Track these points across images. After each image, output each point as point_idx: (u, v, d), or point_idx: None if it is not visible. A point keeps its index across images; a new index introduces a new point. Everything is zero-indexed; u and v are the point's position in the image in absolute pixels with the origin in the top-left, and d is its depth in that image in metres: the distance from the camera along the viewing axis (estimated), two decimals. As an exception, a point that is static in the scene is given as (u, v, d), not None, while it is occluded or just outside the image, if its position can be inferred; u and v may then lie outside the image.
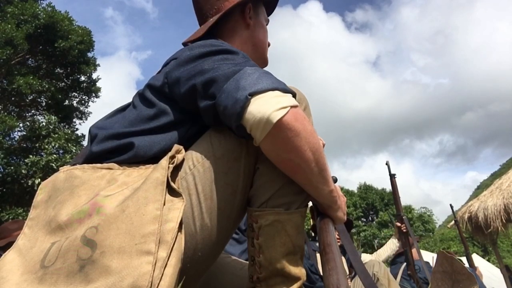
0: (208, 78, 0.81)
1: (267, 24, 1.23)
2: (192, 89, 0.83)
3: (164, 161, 0.77)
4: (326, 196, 0.87)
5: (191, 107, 0.86)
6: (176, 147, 0.81)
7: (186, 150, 0.85)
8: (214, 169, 0.82)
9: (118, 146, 0.86)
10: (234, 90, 0.75)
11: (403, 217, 3.08)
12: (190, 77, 0.84)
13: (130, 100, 1.00)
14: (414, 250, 3.13)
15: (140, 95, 0.95)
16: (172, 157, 0.79)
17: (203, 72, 0.82)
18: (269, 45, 1.23)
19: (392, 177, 3.02)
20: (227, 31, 1.12)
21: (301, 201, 0.86)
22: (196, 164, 0.82)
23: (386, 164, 3.08)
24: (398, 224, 3.13)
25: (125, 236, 0.67)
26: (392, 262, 3.91)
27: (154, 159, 0.83)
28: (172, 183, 0.75)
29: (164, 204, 0.71)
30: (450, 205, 4.22)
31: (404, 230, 3.09)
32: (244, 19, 1.12)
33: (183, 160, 0.82)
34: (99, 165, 0.85)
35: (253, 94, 0.73)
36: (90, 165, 0.86)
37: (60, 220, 0.76)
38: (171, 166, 0.77)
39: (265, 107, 0.72)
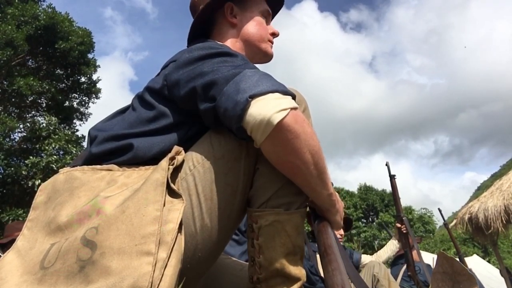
0: (208, 80, 0.81)
1: (269, 16, 1.20)
2: (192, 91, 0.83)
3: (164, 162, 0.77)
4: (325, 199, 0.87)
5: (191, 109, 0.86)
6: (176, 148, 0.81)
7: (186, 151, 0.85)
8: (214, 169, 0.82)
9: (117, 147, 0.86)
10: (234, 93, 0.75)
11: (403, 218, 3.07)
12: (189, 80, 0.84)
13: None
14: (414, 252, 3.12)
15: (140, 98, 0.95)
16: (172, 158, 0.79)
17: (203, 75, 0.82)
18: (275, 34, 1.19)
19: (392, 178, 3.00)
20: (217, 33, 1.13)
21: (301, 201, 0.86)
22: (196, 165, 0.82)
23: (386, 165, 3.06)
24: (398, 225, 3.12)
25: (125, 237, 0.67)
26: (393, 263, 3.90)
27: (153, 160, 0.83)
28: (172, 184, 0.75)
29: (164, 205, 0.71)
30: (439, 209, 4.21)
31: (404, 231, 3.08)
32: (226, 18, 1.12)
33: (183, 161, 0.82)
34: (98, 166, 0.85)
35: (253, 97, 0.73)
36: (90, 166, 0.86)
37: (60, 221, 0.76)
38: (171, 167, 0.77)
39: (266, 109, 0.72)
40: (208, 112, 0.81)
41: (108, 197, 0.76)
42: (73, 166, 0.90)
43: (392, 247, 3.49)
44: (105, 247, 0.66)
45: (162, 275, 0.64)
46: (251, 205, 0.85)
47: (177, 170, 0.80)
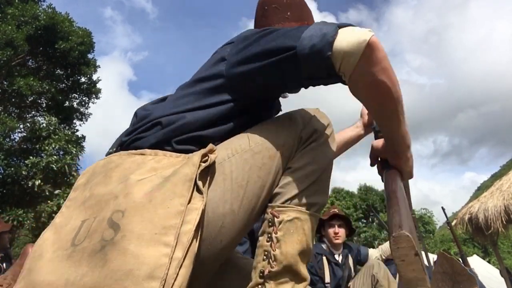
0: (282, 35, 0.85)
1: None
2: (265, 51, 0.87)
3: (196, 158, 0.80)
4: (403, 134, 0.91)
5: (248, 82, 0.91)
6: (210, 146, 0.84)
7: (223, 132, 0.91)
8: (251, 162, 0.86)
9: (146, 128, 0.93)
10: (318, 30, 0.81)
11: (413, 216, 3.01)
12: (262, 41, 0.89)
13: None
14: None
15: (183, 85, 1.01)
16: (205, 155, 0.82)
17: (274, 37, 0.87)
18: None
19: None
20: None
21: (320, 205, 0.91)
22: (234, 153, 0.87)
23: None
24: None
25: (147, 224, 0.71)
26: (386, 261, 3.88)
27: (187, 141, 0.88)
28: (199, 182, 0.78)
29: (189, 201, 0.75)
30: (442, 207, 4.18)
31: None
32: None
33: (213, 162, 0.85)
34: (133, 151, 0.90)
35: (340, 26, 0.80)
36: (126, 151, 0.91)
37: (92, 200, 0.82)
38: (203, 164, 0.80)
39: (355, 32, 0.78)
40: (285, 60, 0.83)
41: (137, 181, 0.79)
42: (111, 150, 0.98)
43: None
44: (127, 230, 0.71)
45: (177, 274, 0.67)
46: (274, 201, 0.89)
47: (207, 167, 0.82)
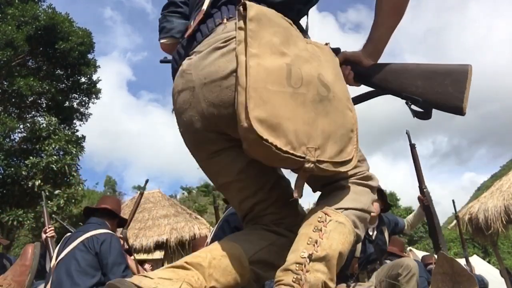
0: None
1: None
2: None
3: (334, 56, 1.07)
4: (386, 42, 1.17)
5: None
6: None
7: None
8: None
9: None
10: None
11: (425, 190, 2.88)
12: None
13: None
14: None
15: None
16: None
17: None
18: None
19: (412, 147, 2.88)
20: None
21: (360, 232, 1.00)
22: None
23: (407, 133, 2.93)
24: (421, 196, 2.96)
25: (342, 93, 0.98)
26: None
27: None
28: None
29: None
30: (453, 200, 4.14)
31: (426, 204, 2.91)
32: None
33: None
34: (281, 15, 0.98)
35: None
36: (274, 11, 0.97)
37: (285, 49, 0.92)
38: None
39: None
40: None
41: (321, 60, 0.98)
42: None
43: (417, 214, 3.38)
44: (334, 92, 0.94)
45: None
46: (330, 204, 0.98)
47: None
